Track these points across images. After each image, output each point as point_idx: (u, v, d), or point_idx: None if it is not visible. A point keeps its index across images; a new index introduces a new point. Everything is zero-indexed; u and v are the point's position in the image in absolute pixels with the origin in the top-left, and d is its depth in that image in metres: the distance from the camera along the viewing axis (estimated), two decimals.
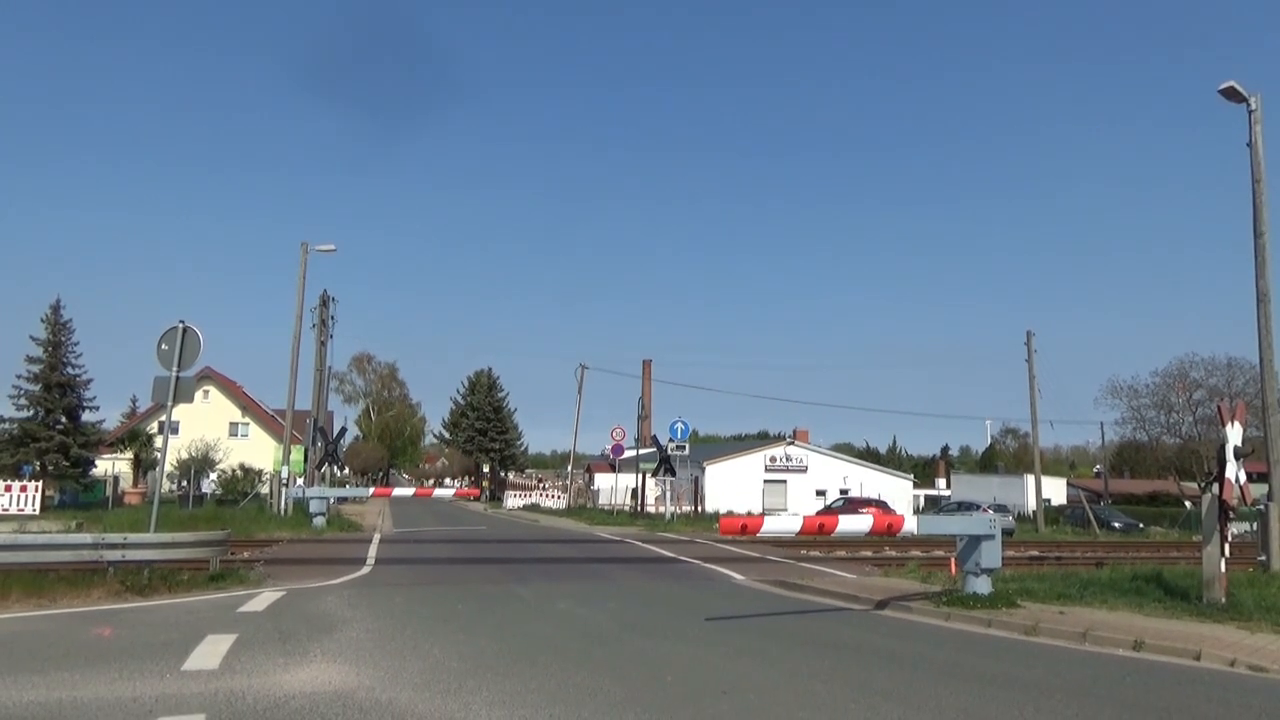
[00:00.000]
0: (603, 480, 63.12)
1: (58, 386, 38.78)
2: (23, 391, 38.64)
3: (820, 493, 56.72)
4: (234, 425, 60.48)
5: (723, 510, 46.74)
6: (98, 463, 42.84)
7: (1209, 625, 10.36)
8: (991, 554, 11.76)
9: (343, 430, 45.98)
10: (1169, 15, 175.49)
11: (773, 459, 59.41)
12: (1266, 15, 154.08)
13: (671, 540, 26.90)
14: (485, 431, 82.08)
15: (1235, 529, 18.67)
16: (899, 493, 58.38)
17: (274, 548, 19.94)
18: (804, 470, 59.27)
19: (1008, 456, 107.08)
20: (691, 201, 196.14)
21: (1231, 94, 16.72)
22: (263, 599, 11.39)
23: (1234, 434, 12.15)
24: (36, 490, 30.90)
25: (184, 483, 44.27)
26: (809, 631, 10.19)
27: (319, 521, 26.94)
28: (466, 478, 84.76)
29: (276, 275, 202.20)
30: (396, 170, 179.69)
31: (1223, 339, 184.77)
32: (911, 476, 69.70)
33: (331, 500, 29.79)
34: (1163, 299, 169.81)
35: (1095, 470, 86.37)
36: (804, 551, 21.98)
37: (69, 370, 39.33)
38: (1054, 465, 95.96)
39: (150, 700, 6.12)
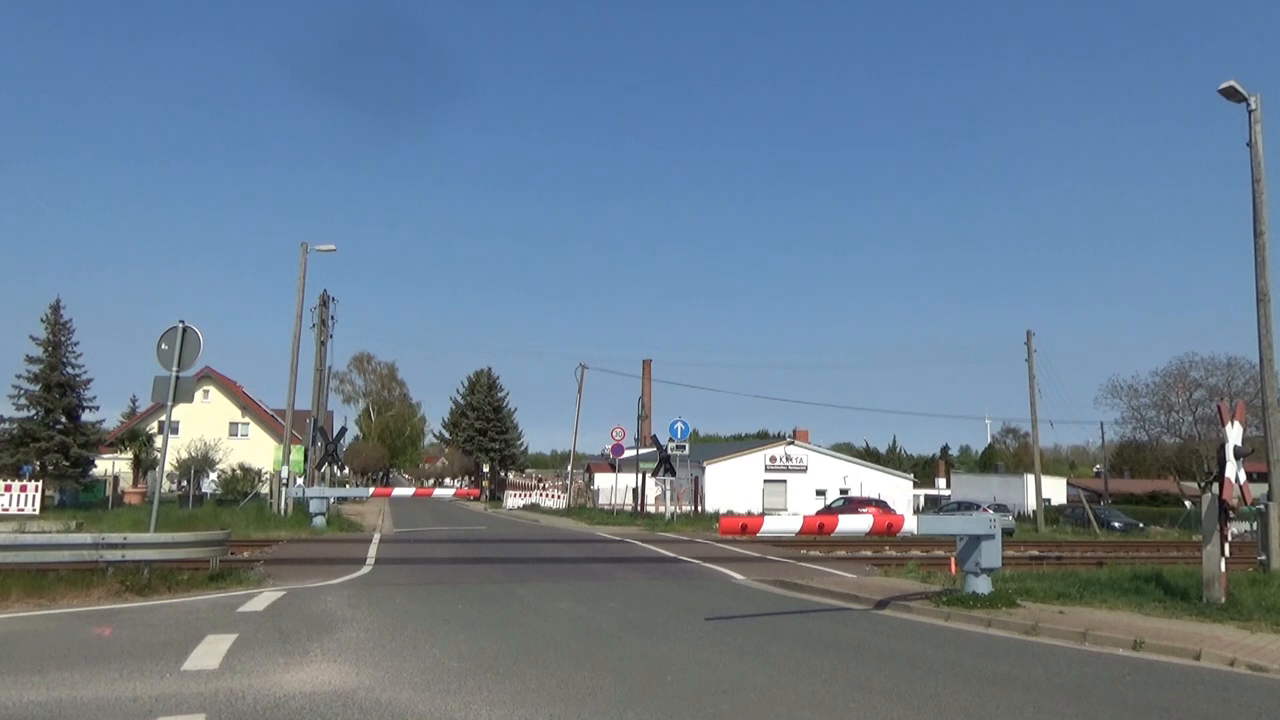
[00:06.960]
0: (603, 480, 63.11)
1: (58, 386, 38.73)
2: (23, 391, 38.57)
3: (820, 492, 56.72)
4: (234, 425, 60.50)
5: (723, 510, 46.72)
6: (98, 463, 42.78)
7: (1209, 625, 10.36)
8: (991, 554, 11.77)
9: (343, 430, 45.95)
10: (1169, 15, 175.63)
11: (773, 459, 59.41)
12: (1266, 15, 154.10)
13: (671, 540, 26.89)
14: (485, 431, 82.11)
15: (1235, 529, 18.72)
16: (899, 492, 58.37)
17: (274, 547, 19.93)
18: (804, 470, 59.27)
19: (1008, 456, 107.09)
20: (691, 199, 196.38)
21: (1231, 94, 16.72)
22: (263, 599, 11.40)
23: (1234, 434, 12.15)
24: (36, 490, 30.88)
25: (184, 483, 44.32)
26: (809, 631, 10.19)
27: (319, 521, 26.94)
28: (466, 478, 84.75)
29: (276, 275, 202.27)
30: (396, 169, 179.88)
31: (1223, 339, 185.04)
32: (911, 476, 69.68)
33: (331, 500, 29.76)
34: (1163, 298, 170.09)
35: (1095, 470, 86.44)
36: (804, 551, 21.97)
37: (69, 370, 39.25)
38: (1054, 465, 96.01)
39: (150, 700, 6.12)
